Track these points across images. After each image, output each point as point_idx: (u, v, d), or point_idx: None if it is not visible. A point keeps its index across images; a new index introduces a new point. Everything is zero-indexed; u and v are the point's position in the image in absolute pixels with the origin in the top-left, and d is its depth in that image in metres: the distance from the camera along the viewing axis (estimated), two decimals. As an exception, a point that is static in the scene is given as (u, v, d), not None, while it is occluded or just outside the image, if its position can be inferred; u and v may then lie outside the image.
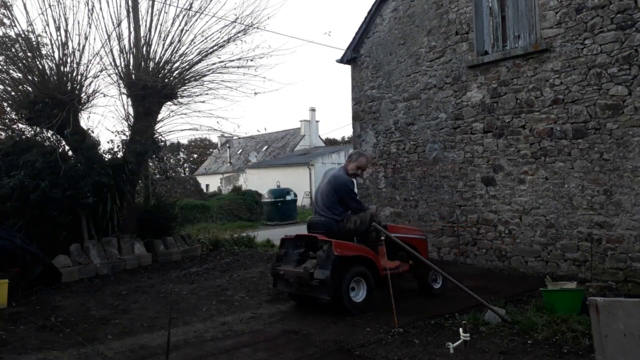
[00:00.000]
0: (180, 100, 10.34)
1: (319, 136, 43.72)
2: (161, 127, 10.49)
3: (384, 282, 5.93)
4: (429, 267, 5.86)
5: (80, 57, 9.10)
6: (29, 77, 8.99)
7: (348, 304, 5.33)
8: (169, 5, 10.08)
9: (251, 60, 10.25)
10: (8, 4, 9.01)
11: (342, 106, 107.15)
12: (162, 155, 11.76)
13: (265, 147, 43.63)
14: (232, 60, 10.22)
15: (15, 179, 8.04)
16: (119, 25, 9.44)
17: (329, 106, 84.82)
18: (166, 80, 9.66)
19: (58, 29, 8.82)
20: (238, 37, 10.25)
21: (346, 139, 51.43)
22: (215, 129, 17.38)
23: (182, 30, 9.72)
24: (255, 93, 10.74)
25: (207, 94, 10.44)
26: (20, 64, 9.00)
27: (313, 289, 5.32)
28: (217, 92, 10.46)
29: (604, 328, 3.08)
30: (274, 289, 6.19)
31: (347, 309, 5.33)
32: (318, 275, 5.24)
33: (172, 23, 9.76)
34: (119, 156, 9.82)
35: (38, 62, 9.02)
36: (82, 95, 9.30)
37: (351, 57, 10.57)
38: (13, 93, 9.28)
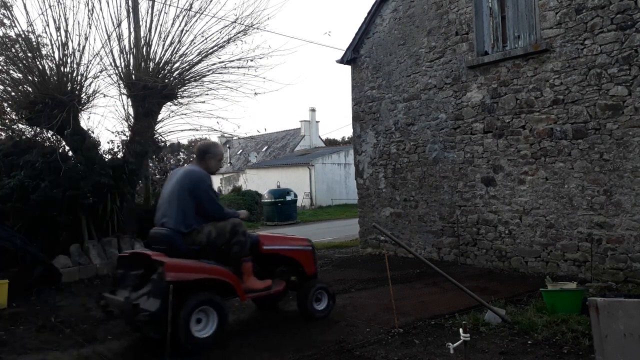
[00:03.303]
0: (180, 100, 10.33)
1: (319, 136, 43.76)
2: (161, 127, 10.49)
3: (262, 304, 5.56)
4: (313, 284, 5.18)
5: (81, 57, 9.10)
6: (29, 77, 8.99)
7: (187, 341, 4.12)
8: (169, 5, 10.07)
9: (251, 61, 10.24)
10: (8, 4, 9.01)
11: (342, 106, 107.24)
12: (162, 155, 11.75)
13: (265, 147, 43.64)
14: (232, 61, 10.21)
15: (16, 180, 8.04)
16: (119, 25, 9.44)
17: (329, 106, 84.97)
18: (166, 80, 9.65)
19: (58, 29, 8.82)
20: (238, 37, 10.23)
21: (346, 139, 51.44)
22: (215, 130, 17.28)
23: (182, 31, 9.71)
24: (256, 93, 10.70)
25: (207, 94, 10.43)
26: (20, 65, 8.99)
27: (143, 325, 4.15)
28: (217, 92, 10.44)
29: (604, 328, 3.08)
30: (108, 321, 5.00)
31: (186, 348, 4.14)
32: (146, 306, 4.09)
33: (172, 23, 9.76)
34: (119, 157, 9.81)
35: (38, 63, 9.02)
36: (82, 95, 9.29)
37: (351, 57, 10.57)
38: (13, 93, 9.28)
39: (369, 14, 10.16)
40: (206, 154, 4.88)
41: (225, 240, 4.64)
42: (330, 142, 48.89)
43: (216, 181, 39.46)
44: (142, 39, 9.80)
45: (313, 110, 42.07)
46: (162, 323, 3.97)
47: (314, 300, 5.17)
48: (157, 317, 4.00)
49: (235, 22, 10.13)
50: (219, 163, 5.02)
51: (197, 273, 4.33)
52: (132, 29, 9.82)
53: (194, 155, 5.00)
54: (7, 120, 9.76)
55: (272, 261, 5.16)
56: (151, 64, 9.74)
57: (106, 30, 9.37)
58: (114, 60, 9.57)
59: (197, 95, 10.41)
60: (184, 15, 9.71)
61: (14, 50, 9.07)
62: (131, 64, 9.62)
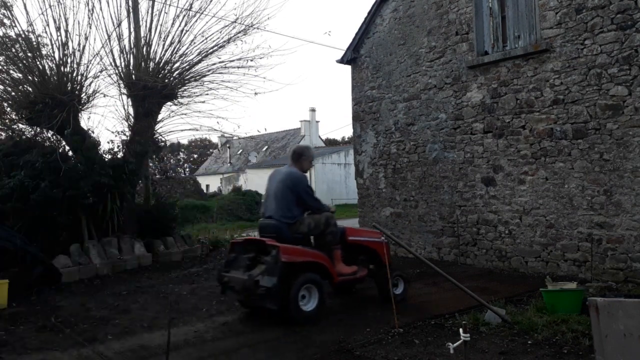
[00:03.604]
0: (180, 100, 10.33)
1: (319, 136, 43.74)
2: (161, 127, 10.49)
3: (342, 288, 5.97)
4: (390, 272, 5.77)
5: (81, 57, 9.09)
6: (29, 77, 8.99)
7: (296, 313, 4.92)
8: (169, 5, 10.07)
9: (251, 61, 10.24)
10: (8, 4, 9.01)
11: (342, 106, 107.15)
12: (162, 155, 11.72)
13: (266, 147, 43.63)
14: (232, 61, 10.21)
15: (16, 179, 8.04)
16: (119, 25, 9.44)
17: (329, 106, 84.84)
18: (166, 80, 9.65)
19: (58, 29, 8.82)
20: (238, 37, 10.24)
21: (346, 139, 51.46)
22: (215, 129, 17.31)
23: (182, 31, 9.72)
24: (256, 93, 10.71)
25: (207, 94, 10.43)
26: (20, 64, 8.99)
27: (260, 298, 4.91)
28: (217, 92, 10.44)
29: (604, 328, 3.08)
30: (224, 295, 5.78)
31: (295, 319, 4.95)
32: (264, 282, 4.86)
33: (172, 23, 9.76)
34: (119, 156, 9.81)
35: (38, 63, 9.02)
36: (82, 95, 9.29)
37: (351, 57, 10.57)
38: (13, 93, 9.28)
39: (369, 14, 10.16)
40: (301, 156, 5.69)
41: (320, 230, 5.40)
42: (330, 142, 48.92)
43: (216, 181, 39.53)
44: (142, 39, 9.80)
45: (313, 110, 42.05)
46: (276, 297, 4.81)
47: (393, 286, 5.67)
48: (273, 291, 4.78)
49: (235, 22, 10.14)
50: (311, 164, 5.84)
51: (304, 256, 5.12)
52: (132, 29, 9.82)
53: (290, 157, 5.77)
54: (7, 120, 9.77)
55: (354, 250, 5.83)
56: (151, 64, 9.74)
57: (106, 30, 9.38)
58: (114, 60, 9.58)
59: (197, 95, 10.42)
60: (184, 15, 9.72)
61: (14, 50, 9.07)
62: (131, 63, 9.62)
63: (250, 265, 5.23)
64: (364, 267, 5.81)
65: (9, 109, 9.56)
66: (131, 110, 9.97)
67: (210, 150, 53.82)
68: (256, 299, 4.99)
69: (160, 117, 10.29)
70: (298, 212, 5.40)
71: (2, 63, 9.12)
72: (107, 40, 9.35)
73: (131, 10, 9.84)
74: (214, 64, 10.20)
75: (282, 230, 5.27)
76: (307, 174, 5.96)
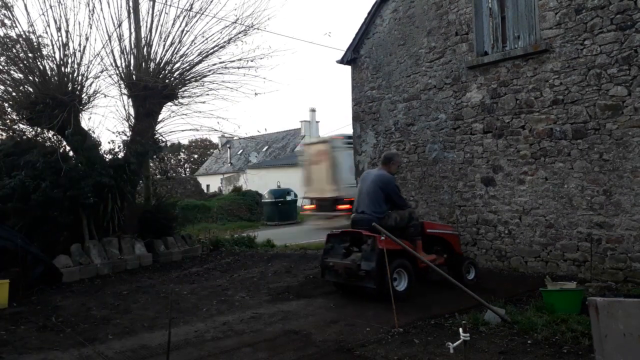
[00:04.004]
0: (180, 100, 10.35)
1: (319, 136, 43.65)
2: (162, 127, 10.52)
3: (423, 274, 6.62)
4: (462, 260, 6.75)
5: (81, 57, 9.12)
6: (30, 77, 9.01)
7: (391, 292, 5.57)
8: (170, 6, 10.11)
9: (251, 61, 10.27)
10: (9, 4, 9.04)
11: (342, 106, 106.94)
12: (163, 155, 11.73)
13: (266, 147, 43.62)
14: (233, 61, 10.25)
15: (16, 179, 8.06)
16: (119, 26, 9.46)
17: (329, 106, 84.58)
18: (167, 80, 9.67)
19: (59, 29, 8.84)
20: (238, 37, 10.28)
21: (346, 140, 51.24)
22: (215, 130, 17.37)
23: (182, 31, 9.75)
24: (256, 93, 10.78)
25: (207, 94, 10.46)
26: (21, 65, 9.01)
27: (360, 279, 5.86)
28: (217, 92, 10.47)
29: (604, 328, 3.09)
30: (322, 279, 6.69)
31: (390, 297, 5.57)
32: (364, 266, 5.78)
33: (173, 24, 9.80)
34: (119, 156, 9.83)
35: (39, 63, 9.04)
36: (82, 95, 9.31)
37: (351, 57, 10.58)
38: (14, 94, 9.30)
39: (369, 14, 10.16)
40: (390, 161, 6.58)
41: (405, 223, 6.23)
42: (330, 142, 48.71)
43: (217, 181, 39.55)
44: (143, 40, 9.83)
45: (313, 110, 42.01)
46: (374, 278, 5.71)
47: (465, 271, 6.62)
48: (372, 274, 5.72)
49: (235, 22, 10.18)
50: (398, 167, 6.85)
51: (395, 245, 5.69)
52: (132, 30, 9.85)
53: (381, 161, 6.76)
54: (8, 121, 9.80)
55: (431, 241, 6.62)
56: (152, 65, 9.76)
57: (107, 31, 9.41)
58: (114, 60, 9.60)
59: (198, 96, 10.44)
60: (185, 16, 9.74)
61: (14, 51, 9.10)
62: (132, 64, 9.64)
63: (346, 253, 6.20)
64: (440, 256, 6.65)
65: (9, 109, 9.59)
66: (132, 111, 10.00)
67: (211, 150, 53.80)
68: (357, 280, 5.92)
69: (160, 117, 10.32)
70: (386, 208, 6.25)
71: (3, 63, 9.15)
72: (108, 41, 9.38)
73: (132, 11, 9.86)
74: (215, 65, 10.24)
75: (373, 223, 5.99)
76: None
